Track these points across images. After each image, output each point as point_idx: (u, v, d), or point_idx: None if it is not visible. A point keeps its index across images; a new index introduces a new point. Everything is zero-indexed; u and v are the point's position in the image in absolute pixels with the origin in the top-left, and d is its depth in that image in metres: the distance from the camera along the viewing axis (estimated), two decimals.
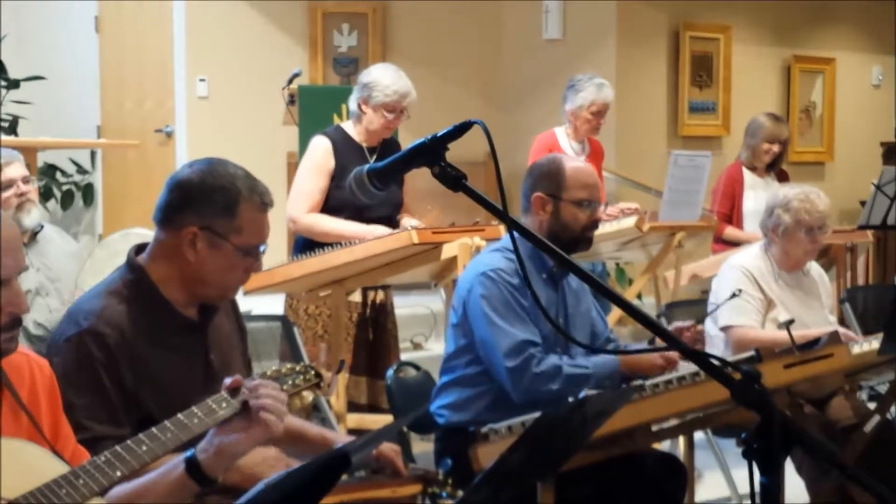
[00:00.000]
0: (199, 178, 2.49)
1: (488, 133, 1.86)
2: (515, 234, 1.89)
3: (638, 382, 3.07)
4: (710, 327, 4.33)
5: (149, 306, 2.49)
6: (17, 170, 4.24)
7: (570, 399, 2.81)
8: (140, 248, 2.58)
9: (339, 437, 2.82)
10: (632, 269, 7.37)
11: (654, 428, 3.22)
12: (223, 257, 2.48)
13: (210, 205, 2.47)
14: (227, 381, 2.20)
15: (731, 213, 6.12)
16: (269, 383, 2.22)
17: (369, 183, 1.95)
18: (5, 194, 4.14)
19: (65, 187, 7.95)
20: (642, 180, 7.60)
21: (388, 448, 2.68)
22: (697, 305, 4.71)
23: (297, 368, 2.47)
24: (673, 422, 3.28)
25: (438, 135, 1.90)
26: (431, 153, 1.89)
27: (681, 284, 5.63)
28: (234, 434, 2.13)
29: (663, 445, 4.22)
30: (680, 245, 5.53)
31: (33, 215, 4.23)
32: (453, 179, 1.87)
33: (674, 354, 3.30)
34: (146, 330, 2.47)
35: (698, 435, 4.12)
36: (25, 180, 4.25)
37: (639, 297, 6.66)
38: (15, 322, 2.00)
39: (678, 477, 3.45)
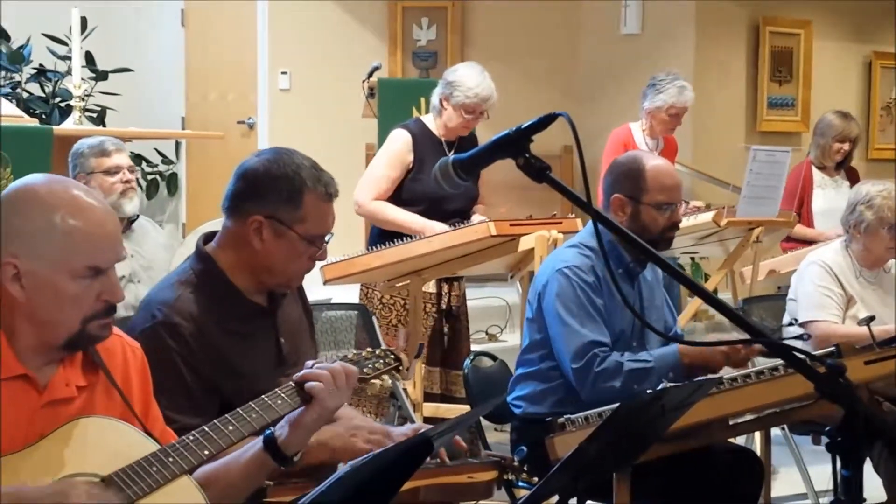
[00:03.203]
0: (264, 167, 2.52)
1: (573, 125, 1.87)
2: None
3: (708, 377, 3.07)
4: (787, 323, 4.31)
5: (219, 294, 2.53)
6: (124, 158, 4.35)
7: (645, 392, 2.83)
8: (209, 237, 2.62)
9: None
10: (707, 264, 7.32)
11: (731, 422, 3.21)
12: (287, 246, 2.51)
13: (275, 194, 2.49)
14: (310, 363, 2.24)
15: (800, 211, 6.04)
16: (339, 365, 2.26)
17: (454, 173, 1.98)
18: (111, 180, 4.26)
19: (150, 177, 8.09)
20: (719, 175, 7.54)
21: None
22: (774, 301, 4.68)
23: (377, 353, 2.50)
24: (749, 417, 3.27)
25: (523, 126, 1.90)
26: (516, 145, 1.90)
27: (758, 280, 5.59)
28: (300, 408, 2.17)
29: (738, 441, 4.20)
30: (758, 240, 5.49)
31: (135, 203, 4.34)
32: (538, 171, 1.88)
33: (740, 349, 3.26)
34: (218, 318, 2.50)
35: (774, 431, 4.10)
36: (131, 169, 4.36)
37: (715, 292, 6.62)
38: (109, 310, 2.05)
39: (754, 472, 3.43)
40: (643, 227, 3.35)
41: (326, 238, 2.56)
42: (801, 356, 1.79)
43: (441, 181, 2.00)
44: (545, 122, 1.91)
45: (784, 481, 4.80)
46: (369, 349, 2.52)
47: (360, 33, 7.94)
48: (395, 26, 8.01)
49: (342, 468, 2.12)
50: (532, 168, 1.89)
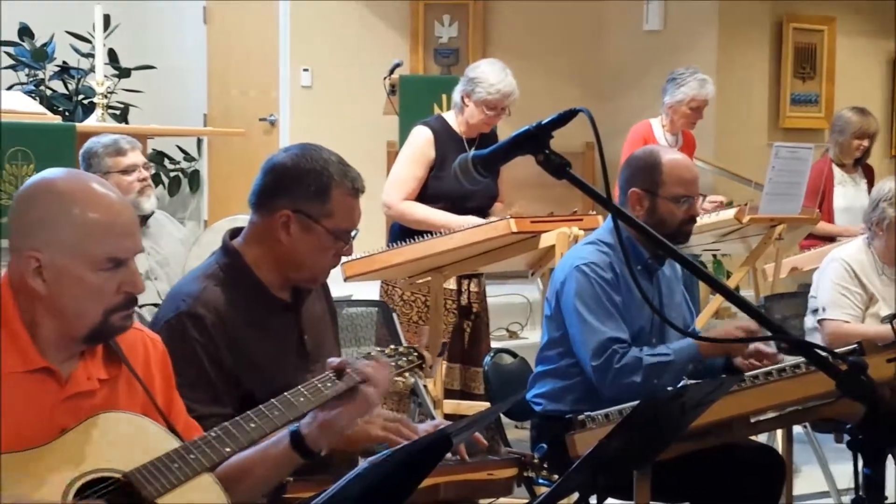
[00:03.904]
0: (292, 162, 2.53)
1: (593, 121, 1.86)
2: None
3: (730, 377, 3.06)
4: (808, 321, 4.29)
5: (244, 288, 2.54)
6: (139, 156, 4.37)
7: (665, 389, 2.82)
8: (235, 232, 2.64)
9: None
10: (729, 261, 7.29)
11: (753, 420, 3.20)
12: (315, 240, 2.52)
13: (303, 188, 2.50)
14: (333, 361, 2.24)
15: (821, 208, 6.00)
16: (382, 362, 2.26)
17: (474, 169, 1.98)
18: (128, 178, 4.27)
19: (172, 174, 8.12)
20: (742, 172, 7.50)
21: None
22: (796, 298, 4.66)
23: (401, 350, 2.51)
24: (771, 414, 3.26)
25: (543, 122, 1.90)
26: (536, 141, 1.90)
27: (780, 277, 5.56)
28: (337, 409, 2.17)
29: (760, 439, 4.18)
30: (780, 237, 5.46)
31: (152, 200, 4.35)
32: (557, 167, 1.88)
33: (752, 325, 3.24)
34: (242, 311, 2.51)
35: (796, 429, 4.08)
36: (146, 166, 4.38)
37: (737, 289, 6.58)
38: (130, 302, 2.06)
39: (776, 470, 3.42)
40: (661, 221, 3.33)
41: (352, 233, 2.57)
42: (823, 353, 1.78)
43: (461, 177, 2.00)
44: (565, 118, 1.91)
45: (806, 480, 4.78)
46: (392, 346, 2.53)
47: (381, 30, 7.94)
48: (416, 23, 8.02)
49: (362, 464, 2.12)
50: (551, 164, 1.89)
